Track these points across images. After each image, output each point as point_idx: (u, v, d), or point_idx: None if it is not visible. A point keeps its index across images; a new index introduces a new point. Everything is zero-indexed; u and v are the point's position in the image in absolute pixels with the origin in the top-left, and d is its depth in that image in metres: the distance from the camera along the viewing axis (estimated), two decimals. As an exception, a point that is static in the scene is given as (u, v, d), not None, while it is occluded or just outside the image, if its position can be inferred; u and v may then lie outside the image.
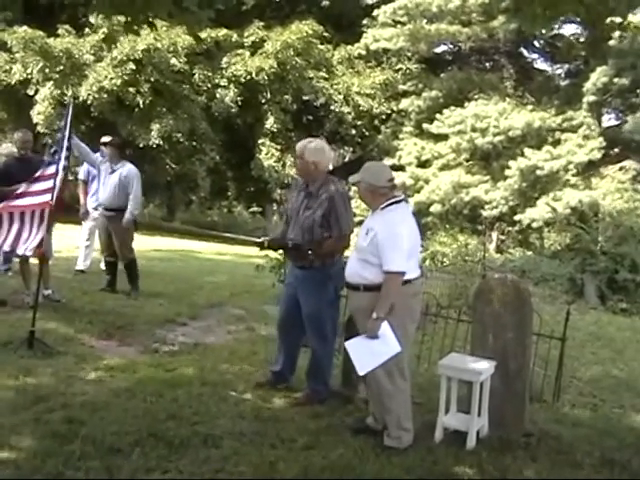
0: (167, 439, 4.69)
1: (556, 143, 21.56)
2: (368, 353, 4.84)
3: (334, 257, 5.76)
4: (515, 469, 4.69)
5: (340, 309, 5.99)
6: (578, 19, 22.65)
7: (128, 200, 9.23)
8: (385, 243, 4.84)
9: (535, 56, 27.62)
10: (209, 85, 21.29)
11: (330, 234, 5.63)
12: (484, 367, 5.11)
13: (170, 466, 4.35)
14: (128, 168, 9.36)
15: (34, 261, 8.13)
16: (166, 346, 7.43)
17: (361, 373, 4.94)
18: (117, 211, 9.22)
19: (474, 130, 22.12)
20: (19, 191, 7.05)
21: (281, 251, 6.37)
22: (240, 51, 21.85)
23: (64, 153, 7.12)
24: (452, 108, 22.80)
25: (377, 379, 4.95)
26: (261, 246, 6.00)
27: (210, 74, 21.28)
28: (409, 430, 4.98)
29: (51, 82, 19.79)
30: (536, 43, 26.42)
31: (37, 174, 7.06)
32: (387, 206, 4.99)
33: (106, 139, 10.25)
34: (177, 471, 4.30)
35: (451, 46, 26.84)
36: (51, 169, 7.02)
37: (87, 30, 19.83)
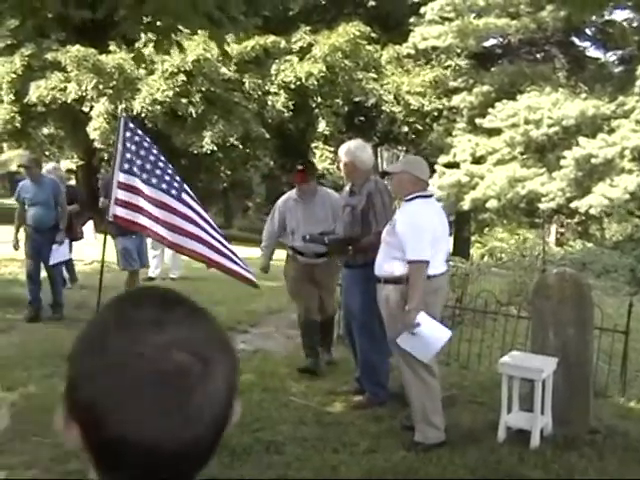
0: (230, 446, 4.72)
1: (611, 131, 21.17)
2: (422, 345, 4.78)
3: (376, 254, 5.77)
4: (581, 467, 4.62)
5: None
6: (629, 3, 22.17)
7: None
8: (405, 233, 4.84)
9: (587, 44, 27.10)
10: (260, 93, 21.41)
11: (369, 230, 5.65)
12: (546, 364, 5.04)
13: (233, 474, 4.38)
14: (331, 193, 6.97)
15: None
16: (227, 353, 7.49)
17: (426, 361, 4.88)
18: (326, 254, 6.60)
19: (528, 122, 21.85)
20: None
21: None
22: (289, 57, 21.93)
23: (117, 167, 7.09)
24: (504, 102, 22.56)
25: (401, 370, 5.05)
26: (304, 240, 6.18)
27: (260, 82, 21.40)
28: (437, 427, 4.92)
29: (105, 98, 20.16)
30: (587, 31, 25.92)
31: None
32: (413, 199, 4.98)
33: None
34: (240, 479, 4.33)
35: (500, 39, 26.45)
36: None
37: (138, 44, 20.11)
